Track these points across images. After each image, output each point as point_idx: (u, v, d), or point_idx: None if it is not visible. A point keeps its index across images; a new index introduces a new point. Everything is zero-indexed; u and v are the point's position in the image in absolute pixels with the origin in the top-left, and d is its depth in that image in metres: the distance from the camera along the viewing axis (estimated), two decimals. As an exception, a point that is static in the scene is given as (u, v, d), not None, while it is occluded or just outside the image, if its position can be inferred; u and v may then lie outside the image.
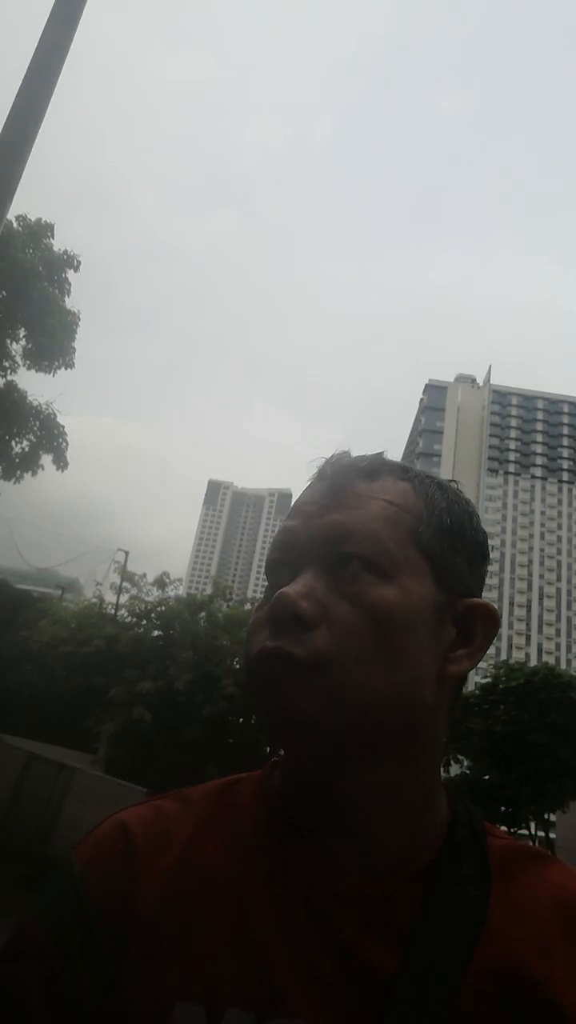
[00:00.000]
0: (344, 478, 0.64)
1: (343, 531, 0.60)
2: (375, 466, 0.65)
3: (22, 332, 13.81)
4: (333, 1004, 0.54)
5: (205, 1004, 0.54)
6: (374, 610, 0.58)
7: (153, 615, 21.68)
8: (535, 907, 0.60)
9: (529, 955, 0.57)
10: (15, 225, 13.27)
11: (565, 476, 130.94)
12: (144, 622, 21.78)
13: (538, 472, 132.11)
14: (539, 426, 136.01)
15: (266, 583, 0.66)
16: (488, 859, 0.62)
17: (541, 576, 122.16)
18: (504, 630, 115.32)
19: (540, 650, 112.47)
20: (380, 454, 0.67)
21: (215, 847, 0.62)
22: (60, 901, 0.60)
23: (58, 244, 14.07)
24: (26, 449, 13.85)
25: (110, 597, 23.00)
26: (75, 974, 0.56)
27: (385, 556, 0.60)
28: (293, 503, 0.68)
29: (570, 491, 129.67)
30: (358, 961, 0.56)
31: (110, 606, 22.88)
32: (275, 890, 0.59)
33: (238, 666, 20.45)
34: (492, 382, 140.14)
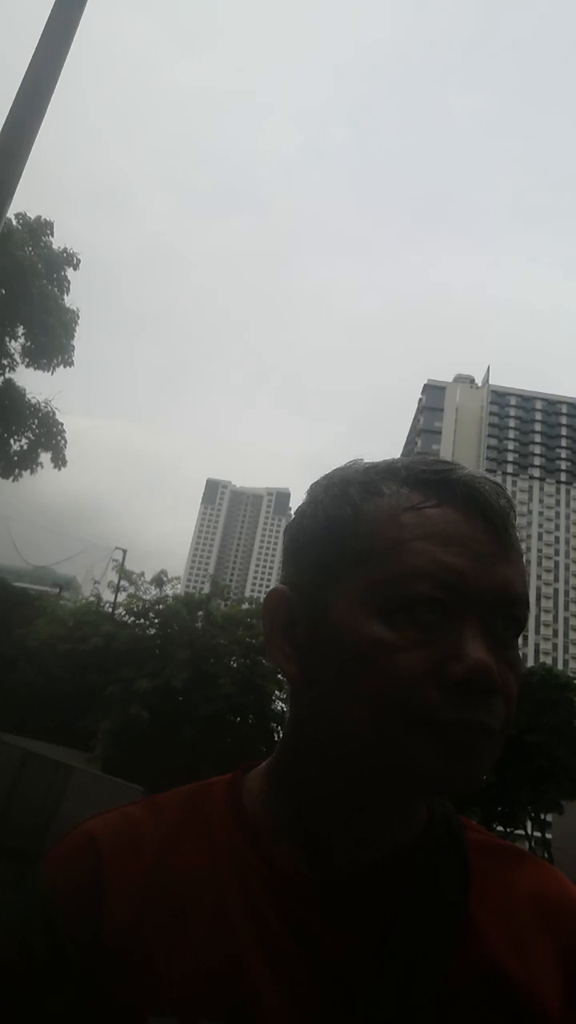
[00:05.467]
0: (507, 520, 0.58)
1: (514, 593, 0.57)
2: (514, 514, 0.60)
3: (21, 330, 13.80)
4: (311, 1010, 0.54)
5: (178, 1015, 0.53)
6: (521, 677, 0.58)
7: (151, 613, 21.67)
8: (512, 903, 0.60)
9: (507, 952, 0.57)
10: (14, 223, 13.25)
11: (563, 477, 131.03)
12: (142, 620, 21.77)
13: (536, 473, 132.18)
14: (537, 427, 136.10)
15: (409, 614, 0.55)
16: (467, 855, 0.62)
17: (539, 577, 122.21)
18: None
19: (537, 651, 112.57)
20: (504, 488, 0.60)
21: (186, 854, 0.61)
22: (28, 915, 0.59)
23: (58, 242, 14.07)
24: (24, 447, 13.83)
25: (108, 595, 22.99)
26: (43, 985, 0.56)
27: (526, 621, 0.60)
28: (427, 520, 0.56)
29: (568, 492, 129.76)
30: (337, 964, 0.55)
31: (108, 604, 22.84)
32: (248, 895, 0.58)
33: (235, 665, 20.46)
34: (491, 382, 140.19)
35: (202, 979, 0.55)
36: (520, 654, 0.59)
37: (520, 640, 0.59)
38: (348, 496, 0.60)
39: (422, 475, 0.59)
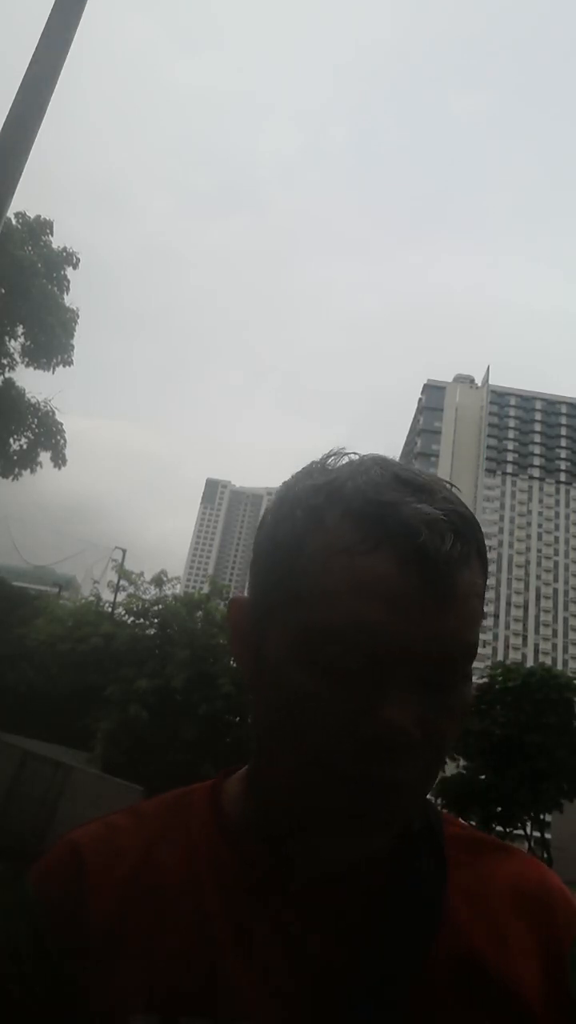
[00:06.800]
0: (451, 567, 0.53)
1: (446, 651, 0.53)
2: (470, 551, 0.55)
3: (20, 329, 13.82)
4: (291, 1006, 0.55)
5: (158, 1015, 0.54)
6: (464, 714, 0.57)
7: (150, 613, 21.68)
8: (491, 896, 0.61)
9: (485, 944, 0.57)
10: (14, 223, 13.27)
11: (563, 477, 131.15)
12: (141, 620, 21.77)
13: (536, 473, 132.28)
14: (537, 427, 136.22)
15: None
16: (443, 849, 0.63)
17: (538, 577, 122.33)
18: (501, 631, 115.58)
19: (537, 651, 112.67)
20: (470, 519, 0.56)
21: (167, 858, 0.62)
22: (12, 923, 0.60)
23: (57, 242, 14.09)
24: (24, 446, 13.87)
25: (107, 595, 23.00)
26: (28, 995, 0.56)
27: (474, 657, 0.57)
28: (355, 569, 0.53)
29: (567, 492, 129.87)
30: (316, 960, 0.56)
31: (107, 604, 22.86)
32: (228, 897, 0.59)
33: (235, 665, 20.47)
34: (490, 382, 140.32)
35: (183, 979, 0.56)
36: (469, 692, 0.57)
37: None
38: (294, 520, 0.57)
39: (365, 508, 0.54)
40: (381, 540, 0.53)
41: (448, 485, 0.59)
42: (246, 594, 0.64)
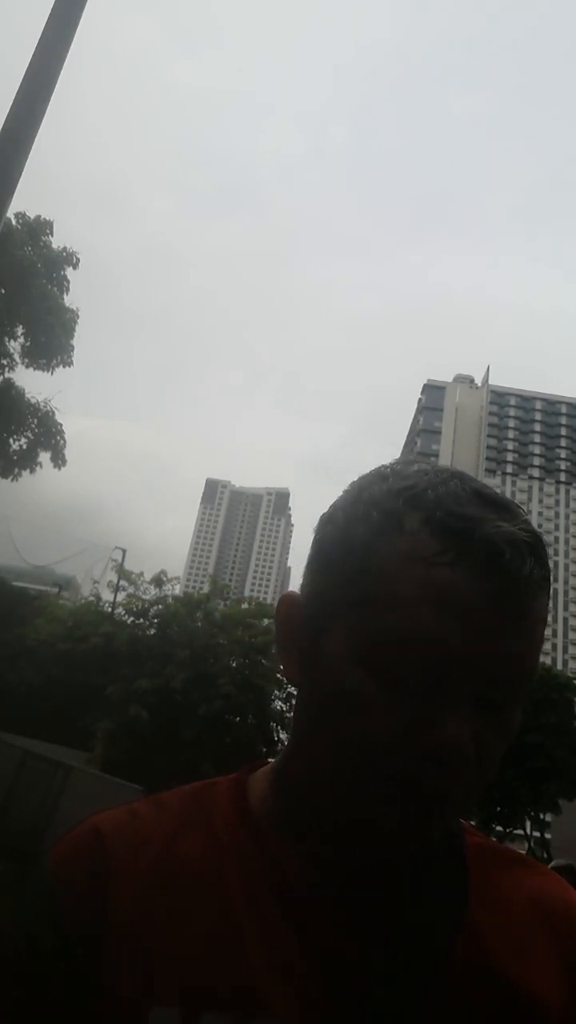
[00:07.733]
0: (528, 590, 0.53)
1: (521, 669, 0.54)
2: (546, 576, 0.55)
3: (20, 330, 13.82)
4: (311, 1004, 0.55)
5: (181, 1007, 0.54)
6: (511, 737, 0.57)
7: (150, 613, 21.70)
8: (512, 906, 0.60)
9: (505, 953, 0.57)
10: (14, 223, 13.27)
11: (562, 477, 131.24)
12: (141, 620, 21.79)
13: (535, 473, 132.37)
14: (537, 427, 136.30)
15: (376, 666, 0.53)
16: (465, 857, 0.62)
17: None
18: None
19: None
20: (545, 545, 0.56)
21: (191, 850, 0.62)
22: (32, 905, 0.60)
23: (57, 242, 14.10)
24: (24, 447, 13.88)
25: (107, 595, 23.00)
26: (47, 979, 0.56)
27: (532, 682, 0.57)
28: (433, 581, 0.52)
29: (567, 492, 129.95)
30: (336, 960, 0.56)
31: (107, 604, 22.86)
32: (251, 892, 0.59)
33: (235, 665, 20.49)
34: (490, 382, 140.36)
35: (204, 973, 0.55)
36: (519, 716, 0.57)
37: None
38: (370, 522, 0.56)
39: (448, 519, 0.53)
40: (463, 554, 0.52)
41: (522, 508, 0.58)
42: (299, 590, 0.64)
